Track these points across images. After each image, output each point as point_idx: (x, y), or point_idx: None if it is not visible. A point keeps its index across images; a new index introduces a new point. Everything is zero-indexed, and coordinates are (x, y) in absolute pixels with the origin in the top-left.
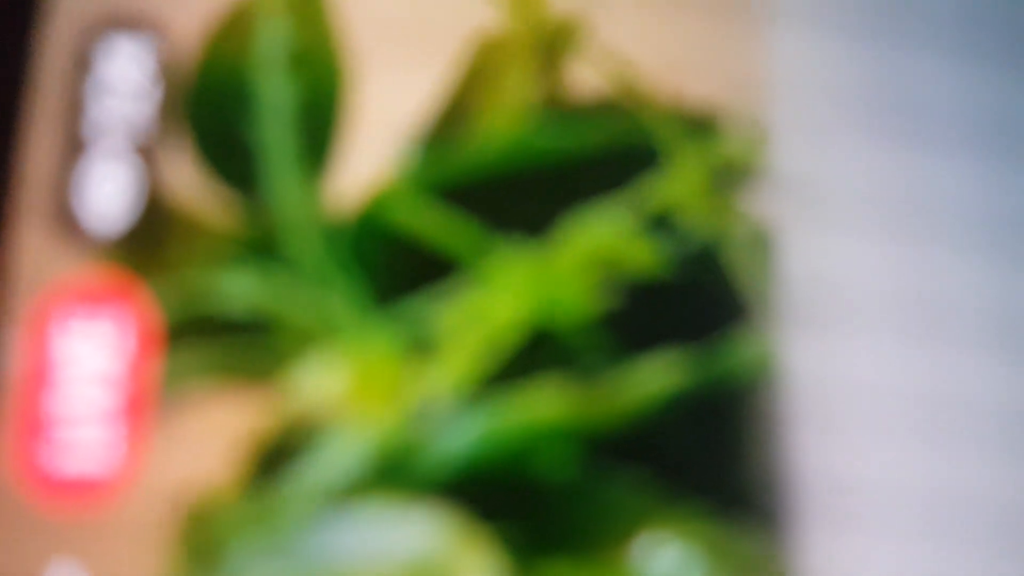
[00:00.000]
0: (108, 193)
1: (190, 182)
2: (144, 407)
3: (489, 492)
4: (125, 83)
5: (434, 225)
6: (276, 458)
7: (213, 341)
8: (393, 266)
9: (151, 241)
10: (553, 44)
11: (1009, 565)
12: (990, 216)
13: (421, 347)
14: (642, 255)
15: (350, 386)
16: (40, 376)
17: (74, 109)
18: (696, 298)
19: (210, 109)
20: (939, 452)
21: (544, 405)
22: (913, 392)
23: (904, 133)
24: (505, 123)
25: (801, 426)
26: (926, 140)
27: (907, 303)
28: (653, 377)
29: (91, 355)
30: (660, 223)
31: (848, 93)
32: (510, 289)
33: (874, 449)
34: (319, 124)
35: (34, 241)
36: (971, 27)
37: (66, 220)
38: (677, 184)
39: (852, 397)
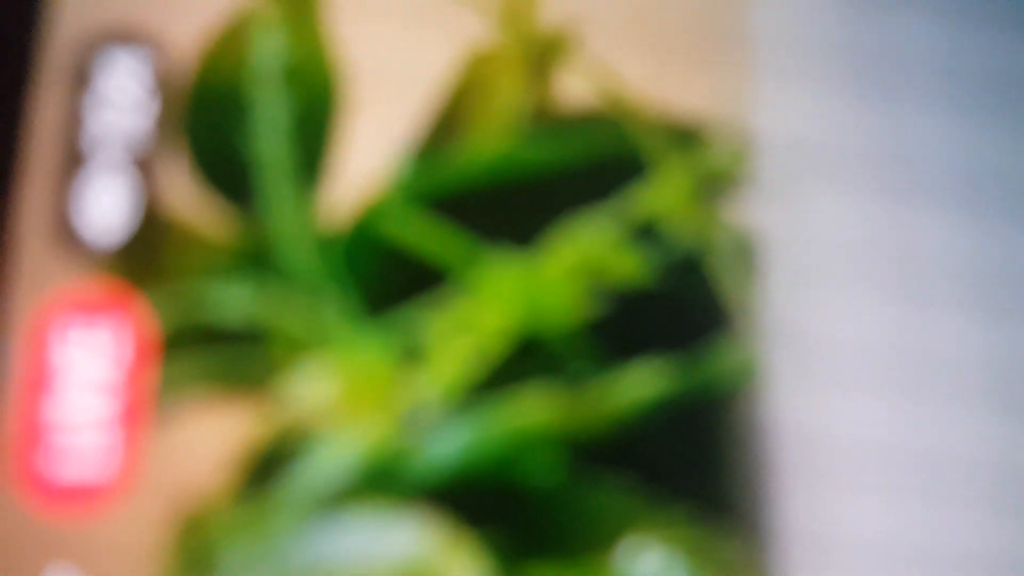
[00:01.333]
0: (106, 205)
1: (187, 194)
2: (140, 415)
3: (476, 498)
4: (123, 97)
5: (425, 236)
6: (269, 465)
7: (208, 350)
8: (385, 276)
9: (148, 252)
10: (543, 57)
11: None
12: (979, 269)
13: (411, 355)
14: (628, 264)
15: (341, 394)
16: (39, 384)
17: (73, 122)
18: (680, 306)
19: (206, 122)
20: (923, 503)
21: (531, 412)
22: (897, 443)
23: (891, 185)
24: (495, 135)
25: (789, 480)
26: (913, 192)
27: (894, 354)
28: (638, 384)
29: (89, 363)
30: (645, 233)
31: (835, 145)
32: (499, 298)
33: (860, 501)
34: (313, 137)
35: (33, 252)
36: (959, 80)
37: (65, 231)
38: (662, 194)
39: (838, 446)
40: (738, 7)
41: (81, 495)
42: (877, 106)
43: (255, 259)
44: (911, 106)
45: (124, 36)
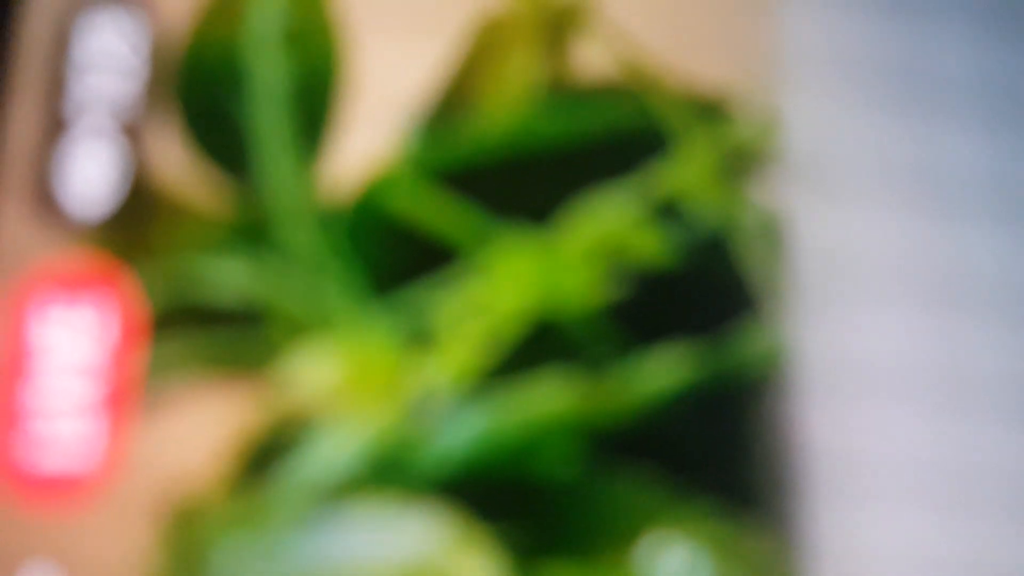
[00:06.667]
0: (91, 174)
1: (178, 163)
2: (127, 400)
3: (490, 491)
4: (110, 59)
5: (434, 211)
6: (266, 454)
7: (201, 331)
8: (391, 254)
9: (136, 225)
10: (559, 24)
11: (1022, 539)
12: (1007, 188)
13: (420, 339)
14: (649, 243)
15: (345, 379)
16: (17, 366)
17: (57, 86)
18: (705, 288)
19: (200, 87)
20: (954, 428)
21: (547, 399)
22: (928, 371)
23: (919, 107)
24: (509, 105)
25: (812, 409)
26: (940, 113)
27: (921, 277)
28: (661, 370)
29: (72, 344)
30: (668, 210)
31: (861, 67)
32: (513, 278)
33: (887, 430)
34: (314, 104)
35: (14, 224)
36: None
37: (47, 202)
38: (686, 170)
39: (865, 377)
40: None
41: (63, 487)
42: (908, 35)
43: (252, 234)
44: (942, 32)
45: None
